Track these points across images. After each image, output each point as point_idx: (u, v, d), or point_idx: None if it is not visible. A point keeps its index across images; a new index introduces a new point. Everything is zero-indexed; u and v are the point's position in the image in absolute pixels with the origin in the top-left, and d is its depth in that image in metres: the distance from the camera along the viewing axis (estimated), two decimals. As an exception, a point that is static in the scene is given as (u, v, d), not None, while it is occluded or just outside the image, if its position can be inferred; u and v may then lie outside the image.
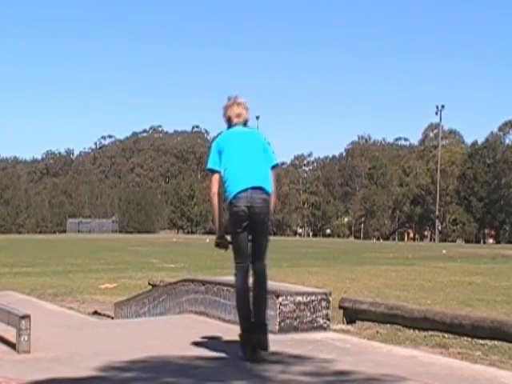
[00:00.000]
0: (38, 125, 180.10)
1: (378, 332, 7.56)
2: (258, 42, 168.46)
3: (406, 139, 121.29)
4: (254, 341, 5.13)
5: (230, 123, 5.43)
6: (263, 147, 5.43)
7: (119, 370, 4.93)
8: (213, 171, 5.29)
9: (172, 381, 4.63)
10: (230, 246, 5.32)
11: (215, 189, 5.25)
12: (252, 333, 5.15)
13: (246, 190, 5.11)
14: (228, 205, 5.20)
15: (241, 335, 5.25)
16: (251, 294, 5.26)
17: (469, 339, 6.83)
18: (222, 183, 5.25)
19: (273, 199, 5.39)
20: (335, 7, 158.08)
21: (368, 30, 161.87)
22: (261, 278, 5.29)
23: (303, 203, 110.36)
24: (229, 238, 5.28)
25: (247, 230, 5.20)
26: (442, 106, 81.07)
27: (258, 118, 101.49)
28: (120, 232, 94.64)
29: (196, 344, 6.02)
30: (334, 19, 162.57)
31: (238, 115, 5.43)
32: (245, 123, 5.46)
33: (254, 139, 5.41)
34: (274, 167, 5.43)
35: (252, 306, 5.21)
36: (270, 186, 5.27)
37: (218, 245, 5.50)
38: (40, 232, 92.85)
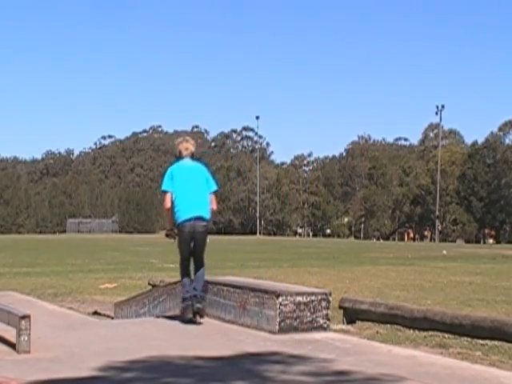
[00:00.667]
0: (37, 125, 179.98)
1: (377, 332, 7.57)
2: (258, 42, 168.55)
3: (406, 139, 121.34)
4: (194, 309, 7.02)
5: (180, 155, 7.31)
6: (205, 178, 7.33)
7: (119, 370, 4.93)
8: (166, 192, 7.17)
9: (172, 381, 4.63)
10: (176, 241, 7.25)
11: (168, 205, 7.14)
12: (193, 302, 7.04)
13: (190, 219, 7.00)
14: (176, 227, 7.12)
15: (183, 304, 7.13)
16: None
17: (469, 339, 6.84)
18: (172, 201, 7.09)
19: (214, 206, 7.30)
20: (335, 7, 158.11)
21: (368, 30, 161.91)
22: (199, 269, 7.21)
23: (303, 203, 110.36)
24: (176, 230, 7.16)
25: (190, 242, 7.15)
26: (442, 106, 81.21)
27: (257, 118, 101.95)
28: (120, 232, 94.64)
29: (196, 344, 6.02)
30: (333, 19, 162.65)
31: (186, 149, 7.32)
32: (192, 155, 7.34)
33: (198, 172, 7.29)
34: (213, 192, 7.34)
35: (192, 284, 7.15)
36: (209, 212, 7.16)
37: (167, 235, 7.34)
38: (40, 232, 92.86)
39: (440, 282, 15.58)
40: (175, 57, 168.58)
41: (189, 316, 7.01)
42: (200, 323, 6.96)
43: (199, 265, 7.17)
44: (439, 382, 4.61)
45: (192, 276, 7.18)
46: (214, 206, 7.29)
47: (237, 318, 6.89)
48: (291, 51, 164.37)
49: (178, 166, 7.23)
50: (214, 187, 7.35)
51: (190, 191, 7.06)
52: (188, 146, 7.33)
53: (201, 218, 7.02)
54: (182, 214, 7.00)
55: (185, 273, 7.20)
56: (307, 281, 14.26)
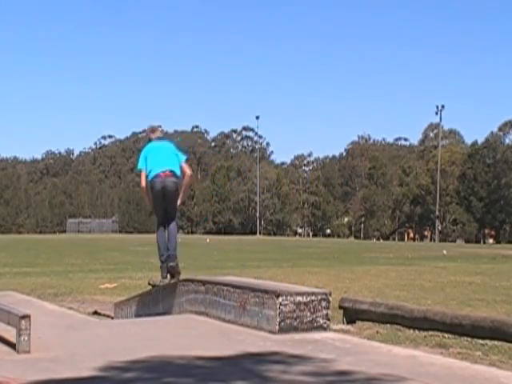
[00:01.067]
0: (38, 125, 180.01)
1: (377, 332, 7.56)
2: (258, 42, 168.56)
3: (406, 139, 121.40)
4: (169, 268, 8.05)
5: (149, 140, 8.40)
6: (174, 151, 8.20)
7: (120, 370, 4.93)
8: (141, 170, 8.06)
9: (173, 381, 4.63)
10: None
11: (144, 183, 8.03)
12: (167, 262, 8.06)
13: (160, 174, 7.77)
14: (150, 185, 7.90)
15: (161, 265, 8.23)
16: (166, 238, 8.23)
17: (469, 339, 6.83)
18: (147, 175, 7.92)
19: (188, 180, 8.26)
20: (335, 7, 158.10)
21: (368, 31, 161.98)
22: (170, 227, 8.06)
23: (303, 203, 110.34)
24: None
25: (163, 198, 7.86)
26: (442, 106, 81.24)
27: (257, 118, 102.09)
28: (120, 232, 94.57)
29: (196, 344, 6.02)
30: (333, 20, 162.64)
31: (154, 133, 8.50)
32: (159, 138, 8.41)
33: (167, 147, 8.24)
34: (184, 161, 8.18)
35: (166, 245, 8.07)
36: (179, 171, 7.94)
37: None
38: (40, 232, 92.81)
39: (440, 281, 15.58)
40: (175, 57, 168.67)
41: (164, 275, 8.24)
42: (173, 281, 8.02)
43: (171, 217, 8.01)
44: (439, 382, 4.61)
45: (165, 232, 8.09)
46: (189, 171, 8.25)
47: (237, 318, 6.89)
48: (291, 51, 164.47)
49: (148, 146, 8.24)
50: (184, 156, 8.28)
51: (162, 161, 7.95)
52: (156, 133, 8.53)
53: (171, 173, 7.88)
54: (154, 173, 7.85)
55: (160, 229, 8.13)
56: (307, 281, 14.26)
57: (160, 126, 8.91)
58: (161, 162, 7.92)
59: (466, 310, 8.98)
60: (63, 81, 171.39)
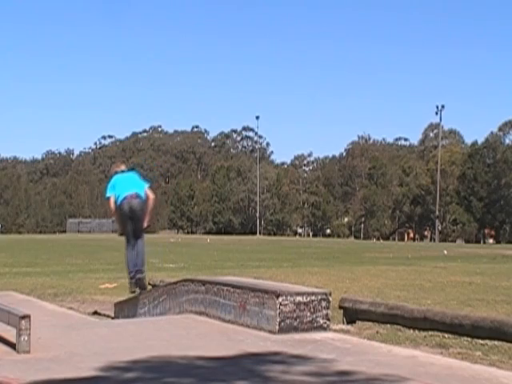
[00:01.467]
0: (38, 125, 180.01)
1: (377, 332, 7.56)
2: (258, 43, 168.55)
3: (406, 139, 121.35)
4: (137, 280, 8.84)
5: (115, 173, 9.26)
6: (138, 179, 9.17)
7: (120, 370, 4.93)
8: (109, 197, 8.98)
9: (174, 381, 4.63)
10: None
11: (113, 208, 8.94)
12: (135, 276, 8.83)
13: (126, 197, 8.69)
14: (118, 207, 8.78)
15: (129, 281, 9.01)
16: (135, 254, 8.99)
17: (469, 339, 6.83)
18: (116, 199, 8.89)
19: (152, 203, 9.05)
20: (335, 8, 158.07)
21: (368, 31, 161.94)
22: (139, 244, 8.84)
23: (303, 203, 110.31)
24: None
25: (129, 219, 8.71)
26: (442, 106, 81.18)
27: (257, 118, 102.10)
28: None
29: (197, 344, 6.02)
30: (333, 20, 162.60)
31: (119, 168, 9.43)
32: (123, 171, 9.31)
33: (132, 176, 9.19)
34: (147, 186, 9.10)
35: (135, 261, 8.83)
36: (144, 194, 8.90)
37: (121, 234, 9.07)
38: (40, 232, 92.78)
39: (440, 281, 15.57)
40: (175, 57, 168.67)
41: (132, 289, 9.00)
42: (140, 293, 8.85)
43: (138, 237, 8.81)
44: (439, 382, 4.61)
45: (134, 250, 8.84)
46: (151, 195, 9.13)
47: (237, 318, 6.89)
48: (291, 51, 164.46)
49: (115, 177, 9.18)
50: (148, 183, 9.23)
51: (128, 186, 8.89)
52: (120, 167, 9.50)
53: (136, 195, 8.79)
54: (121, 196, 8.76)
55: (129, 246, 8.86)
56: (307, 281, 14.26)
57: (124, 162, 10.00)
58: (127, 187, 8.90)
59: (465, 310, 8.98)
60: (63, 81, 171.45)
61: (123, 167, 9.51)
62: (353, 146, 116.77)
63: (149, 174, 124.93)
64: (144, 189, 9.07)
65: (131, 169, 9.94)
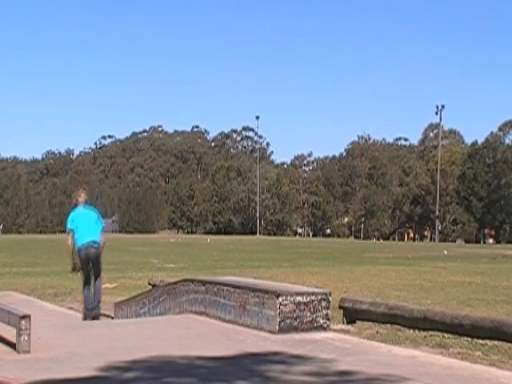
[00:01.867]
0: (37, 125, 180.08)
1: (377, 332, 7.56)
2: (258, 43, 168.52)
3: (406, 139, 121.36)
4: (94, 316, 9.77)
5: (76, 202, 10.32)
6: (95, 219, 10.17)
7: (120, 369, 4.92)
8: (68, 230, 10.03)
9: (174, 381, 4.63)
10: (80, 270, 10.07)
11: (70, 241, 9.97)
12: (92, 311, 9.84)
13: (85, 244, 9.80)
14: (77, 252, 9.90)
15: (85, 312, 9.87)
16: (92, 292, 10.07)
17: (469, 339, 6.83)
18: (73, 236, 9.90)
19: (101, 244, 10.10)
20: (336, 6, 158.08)
21: (368, 31, 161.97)
22: (97, 283, 10.01)
23: (303, 203, 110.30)
24: (78, 263, 9.95)
25: (89, 261, 9.88)
26: (442, 106, 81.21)
27: (257, 118, 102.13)
28: (120, 232, 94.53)
29: (197, 344, 6.02)
30: (333, 19, 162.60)
31: (80, 197, 10.39)
32: (86, 202, 10.35)
33: (91, 215, 10.16)
34: (101, 229, 10.20)
35: (91, 300, 9.88)
36: (98, 239, 10.00)
37: (73, 269, 10.20)
38: (40, 232, 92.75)
39: (440, 281, 15.58)
40: (175, 57, 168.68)
41: (86, 320, 9.69)
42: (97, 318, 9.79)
43: (96, 277, 9.96)
44: (439, 381, 4.61)
45: (92, 288, 9.93)
46: (103, 239, 10.21)
47: (237, 317, 6.89)
48: (291, 51, 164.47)
49: (75, 212, 10.19)
50: (102, 225, 10.32)
51: (85, 227, 9.91)
52: (82, 196, 10.45)
53: (94, 242, 9.88)
54: (80, 242, 9.82)
55: (86, 286, 9.94)
56: (307, 281, 14.26)
57: (84, 189, 11.01)
58: (86, 232, 9.87)
59: (466, 310, 8.98)
60: (63, 81, 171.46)
61: (83, 196, 10.52)
62: (353, 146, 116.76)
63: (149, 174, 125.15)
64: (99, 234, 10.12)
65: (92, 203, 10.91)
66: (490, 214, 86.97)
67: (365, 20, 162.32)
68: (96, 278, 9.95)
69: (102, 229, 10.26)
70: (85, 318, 9.81)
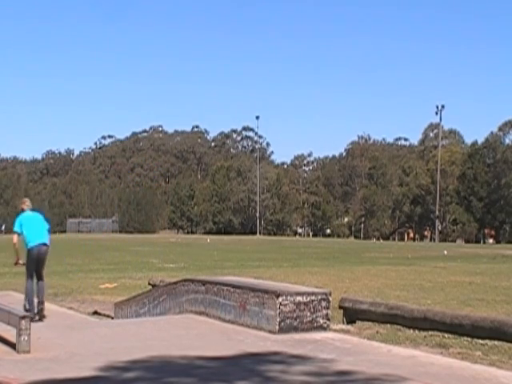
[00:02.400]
0: (38, 125, 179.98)
1: (377, 332, 7.56)
2: (258, 42, 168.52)
3: (406, 139, 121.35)
4: (39, 310, 9.97)
5: (23, 209, 10.82)
6: (42, 222, 10.69)
7: (120, 369, 4.93)
8: (16, 232, 10.56)
9: (174, 381, 4.63)
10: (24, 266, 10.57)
11: (15, 241, 10.55)
12: (38, 306, 10.07)
13: (36, 245, 10.30)
14: (27, 251, 10.39)
15: (28, 310, 9.72)
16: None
17: (469, 339, 6.83)
18: (23, 238, 10.45)
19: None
20: (336, 5, 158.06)
21: (368, 30, 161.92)
22: (40, 284, 10.38)
23: (303, 203, 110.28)
24: (21, 261, 10.60)
25: (36, 262, 10.38)
26: (442, 106, 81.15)
27: (257, 118, 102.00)
28: (120, 232, 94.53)
29: (197, 344, 6.02)
30: (333, 19, 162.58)
31: (24, 204, 10.94)
32: (32, 209, 10.85)
33: (38, 217, 10.75)
34: (48, 229, 10.73)
35: (34, 296, 10.21)
36: (48, 240, 10.52)
37: (16, 264, 10.87)
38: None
39: (440, 281, 15.58)
40: (175, 57, 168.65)
41: (32, 317, 10.00)
42: (42, 321, 9.77)
43: (41, 276, 10.41)
44: (439, 381, 4.61)
45: (35, 285, 10.29)
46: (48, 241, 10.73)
47: (237, 317, 6.89)
48: (291, 51, 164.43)
49: (23, 215, 10.77)
50: (48, 226, 10.80)
51: (34, 229, 10.48)
52: (26, 204, 11.00)
53: (44, 244, 10.40)
54: (31, 243, 10.32)
55: (30, 285, 10.27)
56: (307, 281, 14.26)
57: (28, 199, 11.69)
58: (35, 234, 10.42)
59: (466, 310, 8.98)
60: (63, 81, 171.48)
61: (28, 203, 11.11)
62: (353, 146, 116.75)
63: (149, 174, 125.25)
64: (48, 236, 10.65)
65: (35, 209, 11.24)
66: (490, 213, 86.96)
67: (365, 20, 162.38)
68: (39, 279, 10.39)
69: (49, 230, 10.89)
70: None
